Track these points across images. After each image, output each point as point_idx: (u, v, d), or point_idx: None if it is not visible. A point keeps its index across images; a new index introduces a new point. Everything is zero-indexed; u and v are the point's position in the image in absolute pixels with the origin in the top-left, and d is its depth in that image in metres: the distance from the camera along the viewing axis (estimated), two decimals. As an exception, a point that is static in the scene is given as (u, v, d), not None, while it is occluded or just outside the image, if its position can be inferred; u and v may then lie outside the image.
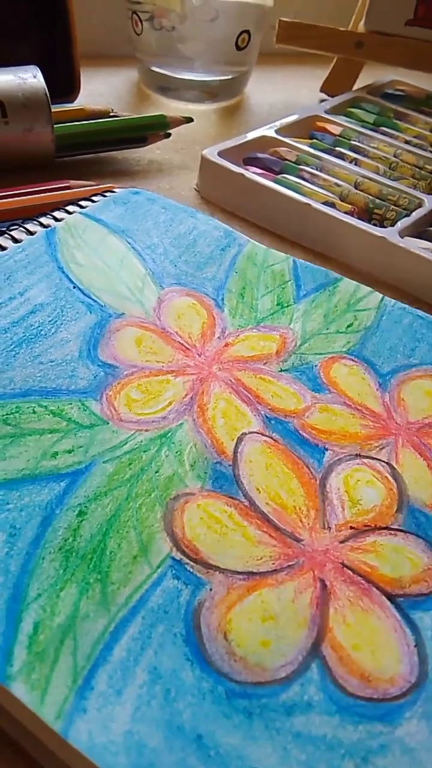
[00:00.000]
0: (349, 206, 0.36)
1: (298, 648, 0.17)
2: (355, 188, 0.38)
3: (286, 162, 0.39)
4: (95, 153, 0.40)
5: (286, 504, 0.20)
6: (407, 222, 0.35)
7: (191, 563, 0.18)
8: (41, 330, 0.24)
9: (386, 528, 0.20)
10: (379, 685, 0.16)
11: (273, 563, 0.18)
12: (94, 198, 0.31)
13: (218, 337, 0.25)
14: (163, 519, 0.19)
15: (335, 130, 0.45)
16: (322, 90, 0.54)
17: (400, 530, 0.20)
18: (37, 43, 0.42)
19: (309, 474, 0.21)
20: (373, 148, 0.43)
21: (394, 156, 0.42)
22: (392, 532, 0.20)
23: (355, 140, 0.43)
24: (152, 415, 0.22)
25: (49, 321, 0.24)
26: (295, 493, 0.20)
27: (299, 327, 0.26)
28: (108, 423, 0.21)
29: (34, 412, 0.21)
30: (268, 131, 0.42)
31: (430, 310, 0.32)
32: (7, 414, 0.21)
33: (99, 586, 0.17)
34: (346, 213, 0.35)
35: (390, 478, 0.21)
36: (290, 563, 0.19)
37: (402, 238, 0.34)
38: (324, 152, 0.41)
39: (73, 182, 0.35)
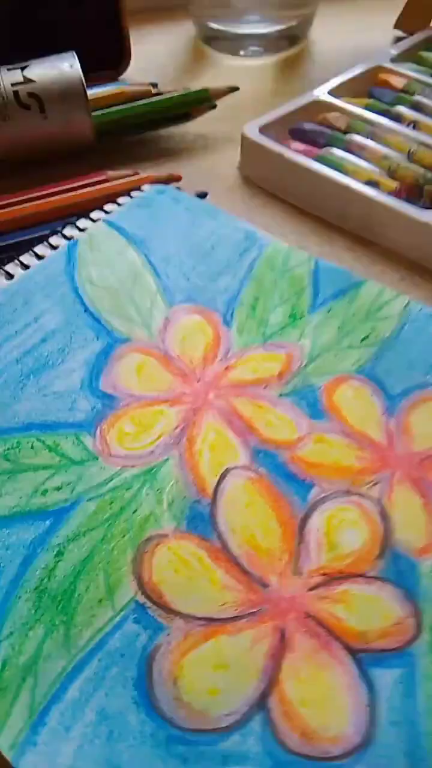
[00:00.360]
0: (394, 185, 0.33)
1: (244, 699, 0.17)
2: (408, 159, 0.35)
3: (334, 133, 0.37)
4: (138, 134, 0.40)
5: (260, 546, 0.20)
6: (463, 200, 0.32)
7: (153, 607, 0.19)
8: (49, 360, 0.25)
9: (362, 576, 0.19)
10: (319, 744, 0.17)
11: (235, 610, 0.19)
12: (120, 201, 0.32)
13: (220, 360, 0.25)
14: (132, 561, 0.20)
15: (399, 83, 0.41)
16: (396, 27, 0.49)
17: (378, 578, 0.19)
18: (90, 10, 0.42)
19: (290, 513, 0.21)
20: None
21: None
22: (368, 580, 0.19)
23: (419, 95, 0.39)
24: (140, 450, 0.22)
25: (58, 349, 0.25)
26: (272, 534, 0.20)
27: (309, 342, 0.25)
28: (98, 459, 0.22)
29: (32, 448, 0.23)
30: (321, 93, 0.39)
31: None
32: (7, 449, 0.22)
33: (63, 628, 0.18)
34: (390, 193, 0.33)
35: (377, 518, 0.21)
36: (252, 610, 0.19)
37: (453, 221, 0.31)
38: (381, 114, 0.38)
39: (110, 173, 0.36)
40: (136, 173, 0.36)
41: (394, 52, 0.43)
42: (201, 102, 0.38)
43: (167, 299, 0.27)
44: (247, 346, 0.25)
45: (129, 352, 0.25)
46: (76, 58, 0.35)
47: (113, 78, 0.43)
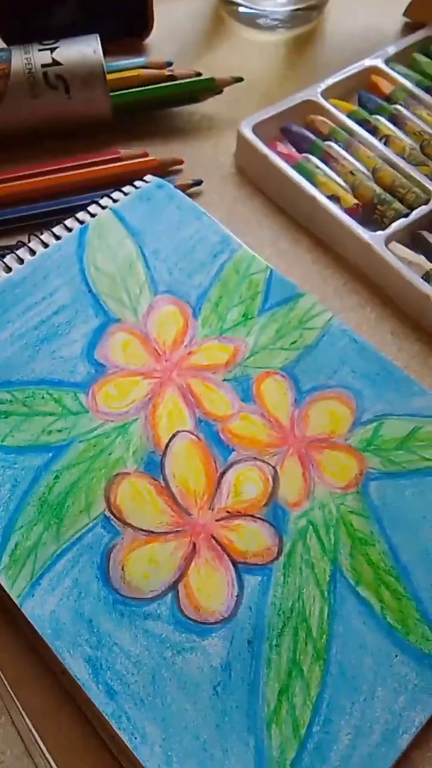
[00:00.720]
0: (352, 203, 0.40)
1: (164, 582, 0.28)
2: (372, 175, 0.41)
3: (316, 140, 0.43)
4: (150, 112, 0.45)
5: (190, 488, 0.30)
6: (403, 223, 0.39)
7: (115, 519, 0.29)
8: (59, 330, 0.33)
9: (251, 515, 0.30)
10: (203, 614, 0.28)
11: (167, 527, 0.29)
12: (126, 190, 0.38)
13: (185, 345, 0.34)
14: (104, 488, 0.30)
15: (387, 88, 0.46)
16: (405, 14, 0.52)
17: (261, 518, 0.30)
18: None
19: (214, 467, 0.31)
20: (415, 116, 0.44)
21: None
22: (254, 519, 0.30)
23: (401, 104, 0.45)
24: (119, 410, 0.32)
25: (66, 322, 0.34)
26: (199, 480, 0.30)
27: (253, 340, 0.34)
28: (88, 412, 0.32)
29: (43, 398, 0.32)
30: (314, 94, 0.44)
31: (403, 317, 0.37)
32: (26, 397, 0.32)
33: (55, 527, 0.29)
34: (349, 209, 0.40)
35: (270, 479, 0.31)
36: (178, 529, 0.29)
37: (389, 243, 0.38)
38: (361, 123, 0.44)
39: (123, 152, 0.42)
40: (146, 153, 0.42)
41: (392, 50, 0.48)
42: (208, 90, 0.43)
43: (153, 289, 0.35)
44: (206, 337, 0.34)
45: (118, 330, 0.34)
46: (99, 43, 0.40)
47: (137, 44, 0.48)
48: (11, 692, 0.27)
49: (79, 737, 0.26)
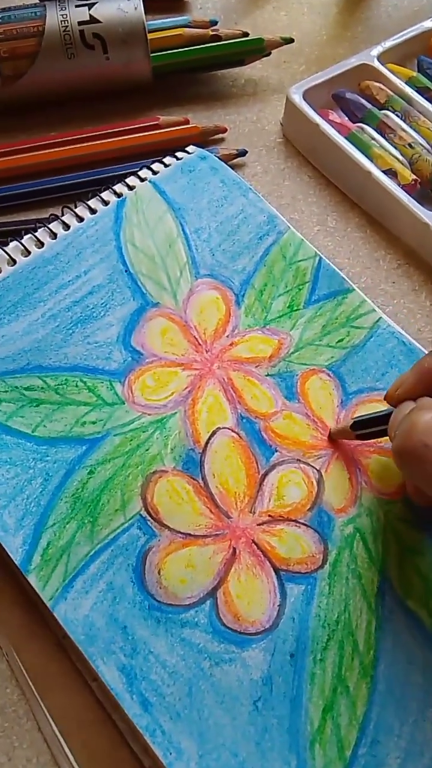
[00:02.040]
0: (410, 178, 0.37)
1: (202, 588, 0.27)
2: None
3: (371, 108, 0.40)
4: (192, 75, 0.42)
5: (230, 489, 0.29)
6: (466, 205, 0.36)
7: (151, 520, 0.28)
8: (93, 312, 0.31)
9: (294, 521, 0.28)
10: (243, 624, 0.26)
11: (206, 530, 0.28)
12: (166, 161, 0.36)
13: (227, 335, 0.32)
14: (141, 486, 0.28)
15: (451, 54, 0.42)
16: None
17: (305, 524, 0.28)
18: None
19: (256, 468, 0.29)
20: None
21: None
22: (298, 524, 0.28)
23: (466, 74, 0.41)
24: (157, 402, 0.30)
25: (101, 303, 0.32)
26: (240, 481, 0.29)
27: (298, 334, 0.32)
28: (124, 403, 0.30)
29: (77, 386, 0.30)
30: (370, 58, 0.41)
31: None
32: (58, 384, 0.30)
33: (89, 525, 0.27)
34: (406, 185, 0.37)
35: (314, 482, 0.29)
36: (217, 532, 0.28)
37: (449, 227, 0.36)
38: (421, 91, 0.40)
39: (162, 119, 0.39)
40: (186, 120, 0.39)
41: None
42: (255, 52, 0.40)
43: (194, 271, 0.33)
44: (250, 328, 0.32)
45: (157, 315, 0.32)
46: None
47: (179, 1, 0.45)
48: (38, 696, 0.26)
49: (108, 747, 0.25)
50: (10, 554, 0.26)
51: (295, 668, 0.26)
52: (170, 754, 0.24)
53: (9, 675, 0.27)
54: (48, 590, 0.26)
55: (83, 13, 0.36)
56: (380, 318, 0.32)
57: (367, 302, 0.33)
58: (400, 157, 0.38)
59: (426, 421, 0.23)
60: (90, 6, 0.36)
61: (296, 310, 0.33)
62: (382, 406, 0.30)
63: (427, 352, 0.32)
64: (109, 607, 0.26)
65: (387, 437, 0.27)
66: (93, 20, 0.36)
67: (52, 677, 0.26)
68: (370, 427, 0.28)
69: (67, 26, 0.36)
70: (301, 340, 0.32)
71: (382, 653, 0.26)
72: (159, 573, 0.27)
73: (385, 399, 0.28)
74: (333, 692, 0.25)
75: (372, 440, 0.30)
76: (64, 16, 0.36)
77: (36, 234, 0.33)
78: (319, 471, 0.29)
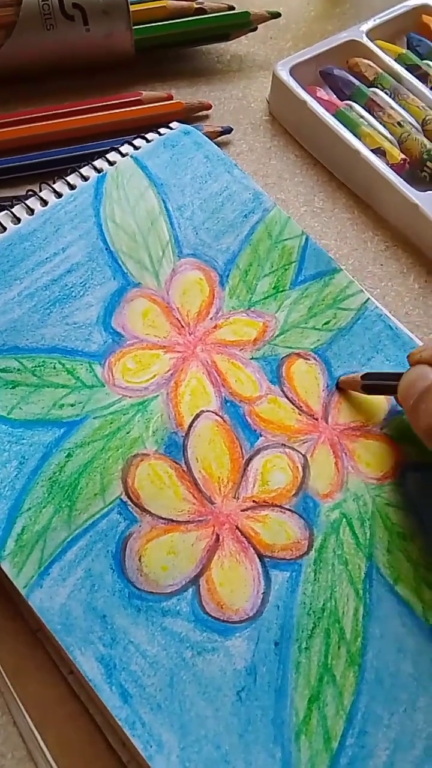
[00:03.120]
0: (399, 158, 0.36)
1: (184, 576, 0.26)
2: (421, 128, 0.37)
3: (360, 86, 0.39)
4: (176, 50, 0.41)
5: (214, 474, 0.28)
6: (454, 186, 0.36)
7: (132, 505, 0.27)
8: (72, 292, 0.30)
9: (279, 506, 0.27)
10: (227, 612, 0.25)
11: (188, 516, 0.27)
12: (148, 137, 0.35)
13: (211, 318, 0.31)
14: (121, 470, 0.27)
15: (440, 30, 0.41)
16: None
17: (290, 510, 0.27)
18: None
19: (240, 453, 0.28)
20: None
21: None
22: (283, 510, 0.27)
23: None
24: (138, 385, 0.29)
25: (80, 283, 0.31)
26: (224, 466, 0.28)
27: (283, 316, 0.31)
28: (104, 386, 0.29)
29: (55, 368, 0.29)
30: (358, 34, 0.40)
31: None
32: (35, 366, 0.29)
33: (67, 510, 0.26)
34: (394, 165, 0.36)
35: (300, 468, 0.28)
36: (200, 518, 0.27)
37: (438, 207, 0.35)
38: (410, 68, 0.40)
39: (145, 95, 0.38)
40: (170, 96, 0.38)
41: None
42: (241, 26, 0.39)
43: (176, 251, 0.32)
44: (234, 310, 0.31)
45: (138, 296, 0.31)
46: (124, -32, 0.36)
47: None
48: (12, 689, 0.25)
49: (85, 741, 0.24)
50: (-18, 541, 0.25)
51: (280, 657, 0.25)
52: (150, 746, 0.23)
53: (-18, 667, 0.26)
54: (22, 578, 0.25)
55: (62, -18, 0.35)
56: (368, 300, 0.32)
57: (354, 283, 0.32)
58: (389, 136, 0.37)
59: None
60: (69, -25, 0.35)
61: (282, 291, 0.32)
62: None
63: (413, 336, 0.31)
64: (87, 595, 0.25)
65: (393, 394, 0.27)
66: (73, -11, 0.35)
67: (26, 670, 0.25)
68: (380, 380, 0.28)
69: (45, -5, 0.35)
70: (286, 322, 0.31)
71: (370, 641, 0.25)
72: (140, 560, 0.26)
73: (408, 358, 0.27)
74: (319, 682, 0.24)
75: (357, 424, 0.29)
76: (43, -16, 0.35)
77: (12, 210, 0.32)
78: (304, 456, 0.28)
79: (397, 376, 0.27)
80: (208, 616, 0.25)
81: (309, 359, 0.30)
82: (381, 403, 0.30)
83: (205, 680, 0.24)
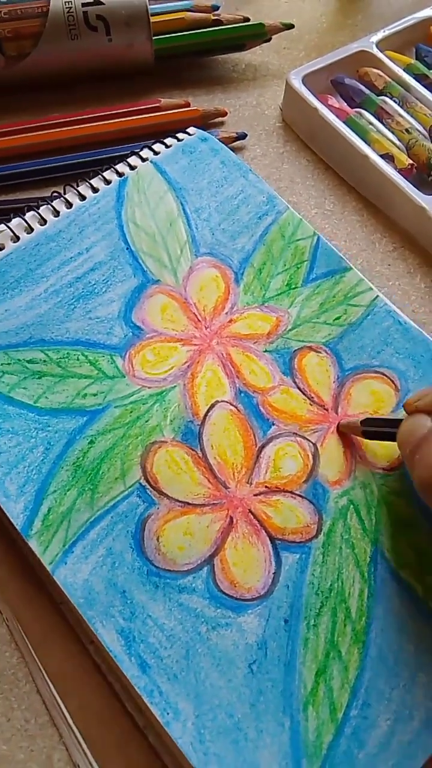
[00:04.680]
0: (406, 163, 0.38)
1: (199, 555, 0.27)
2: (429, 134, 0.39)
3: (369, 94, 0.40)
4: (193, 60, 0.42)
5: (228, 460, 0.29)
6: (461, 189, 0.37)
7: (150, 488, 0.28)
8: (95, 288, 0.32)
9: (290, 492, 0.29)
10: (239, 590, 0.27)
11: (203, 499, 0.28)
12: (168, 142, 0.36)
13: (226, 312, 0.32)
14: (141, 456, 0.29)
15: (447, 41, 0.43)
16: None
17: (300, 495, 0.29)
18: None
19: (253, 441, 0.30)
20: None
21: None
22: (294, 495, 0.29)
23: (462, 63, 0.42)
24: (156, 376, 0.31)
25: (103, 280, 0.32)
26: (238, 453, 0.29)
27: (296, 312, 0.32)
28: (125, 377, 0.30)
29: (78, 360, 0.30)
30: (369, 45, 0.42)
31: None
32: (60, 358, 0.30)
33: (90, 493, 0.28)
34: (402, 169, 0.38)
35: (310, 455, 0.30)
36: (215, 502, 0.28)
37: (444, 210, 0.36)
38: (418, 78, 0.41)
39: (163, 102, 0.40)
40: (187, 103, 0.40)
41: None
42: (256, 37, 0.41)
43: (194, 250, 0.34)
44: (248, 305, 0.33)
45: (157, 292, 0.32)
46: (145, -19, 0.38)
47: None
48: (36, 659, 0.27)
49: (104, 708, 0.26)
50: (11, 519, 0.27)
51: (289, 633, 0.26)
52: (167, 714, 0.24)
53: (9, 639, 0.27)
54: (48, 555, 0.27)
55: (87, -6, 0.37)
56: (377, 297, 0.33)
57: (364, 281, 0.33)
58: (397, 142, 0.39)
59: None
60: (94, -13, 0.37)
61: (294, 288, 0.33)
62: (377, 383, 0.31)
63: (421, 331, 0.32)
64: (108, 572, 0.27)
65: (392, 440, 0.27)
66: (97, 2, 0.37)
67: (50, 641, 0.27)
68: (379, 426, 0.29)
69: (71, 7, 0.37)
70: (298, 317, 0.32)
71: (374, 620, 0.27)
72: (158, 540, 0.27)
73: (403, 407, 0.28)
74: (326, 657, 0.26)
75: (366, 415, 0.30)
76: (69, -3, 0.37)
77: (39, 211, 0.34)
78: (314, 444, 0.30)
79: (397, 423, 0.27)
80: (222, 593, 0.27)
81: (320, 352, 0.32)
82: (389, 396, 0.31)
83: (219, 653, 0.26)
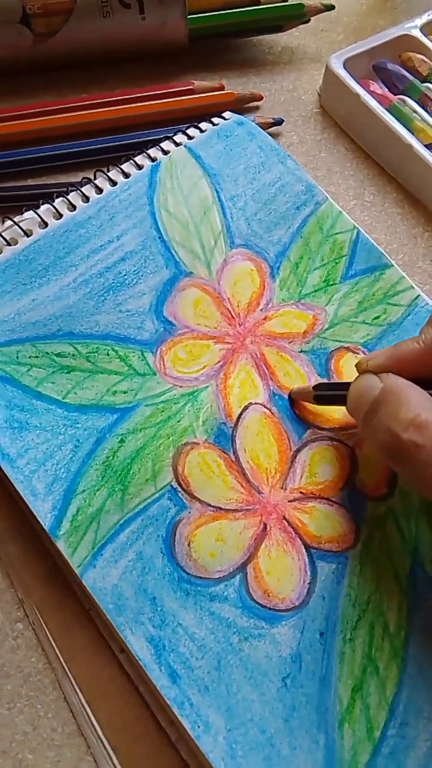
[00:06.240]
0: (452, 154, 0.36)
1: (232, 563, 0.26)
2: None
3: (413, 80, 0.38)
4: (228, 41, 0.41)
5: (262, 464, 0.28)
6: None
7: (182, 491, 0.27)
8: (126, 279, 0.31)
9: (326, 498, 0.28)
10: (273, 600, 0.26)
11: (236, 504, 0.27)
12: (202, 126, 0.35)
13: (261, 309, 0.31)
14: (172, 457, 0.28)
15: None
16: None
17: (337, 502, 0.28)
18: None
19: (288, 445, 0.29)
20: None
21: None
22: (330, 502, 0.28)
23: None
24: (188, 375, 0.29)
25: (134, 271, 0.31)
26: (272, 457, 0.28)
27: (333, 310, 0.31)
28: (156, 374, 0.29)
29: (108, 355, 0.29)
30: (413, 29, 0.40)
31: None
32: (89, 352, 0.29)
33: (120, 494, 0.27)
34: (447, 162, 0.36)
35: (348, 461, 0.28)
36: (248, 507, 0.27)
37: None
38: (465, 66, 0.39)
39: (197, 84, 0.38)
40: (222, 86, 0.38)
41: None
42: (295, 18, 0.39)
43: (228, 241, 0.32)
44: (284, 302, 0.31)
45: (190, 286, 0.31)
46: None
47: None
48: (64, 665, 0.26)
49: (134, 719, 0.25)
50: (39, 519, 0.26)
51: (325, 647, 0.25)
52: (198, 727, 0.24)
53: (35, 643, 0.26)
54: (77, 557, 0.26)
55: (121, -30, 0.35)
56: (418, 296, 0.32)
57: (405, 279, 0.32)
58: (442, 133, 0.37)
59: (409, 420, 0.22)
60: (128, -37, 0.35)
61: (332, 284, 0.32)
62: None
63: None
64: (138, 577, 0.26)
65: (344, 404, 0.26)
66: (131, -23, 0.35)
67: (77, 647, 0.26)
68: (331, 389, 0.28)
69: (104, -18, 0.35)
70: (336, 316, 0.31)
71: (413, 635, 0.26)
72: (189, 545, 0.26)
73: (355, 366, 0.26)
74: (363, 672, 0.25)
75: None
76: (102, -28, 0.35)
77: (68, 197, 0.32)
78: (352, 449, 0.29)
79: (348, 386, 0.26)
80: (255, 603, 0.26)
81: (358, 353, 0.31)
82: None
83: (252, 665, 0.25)
